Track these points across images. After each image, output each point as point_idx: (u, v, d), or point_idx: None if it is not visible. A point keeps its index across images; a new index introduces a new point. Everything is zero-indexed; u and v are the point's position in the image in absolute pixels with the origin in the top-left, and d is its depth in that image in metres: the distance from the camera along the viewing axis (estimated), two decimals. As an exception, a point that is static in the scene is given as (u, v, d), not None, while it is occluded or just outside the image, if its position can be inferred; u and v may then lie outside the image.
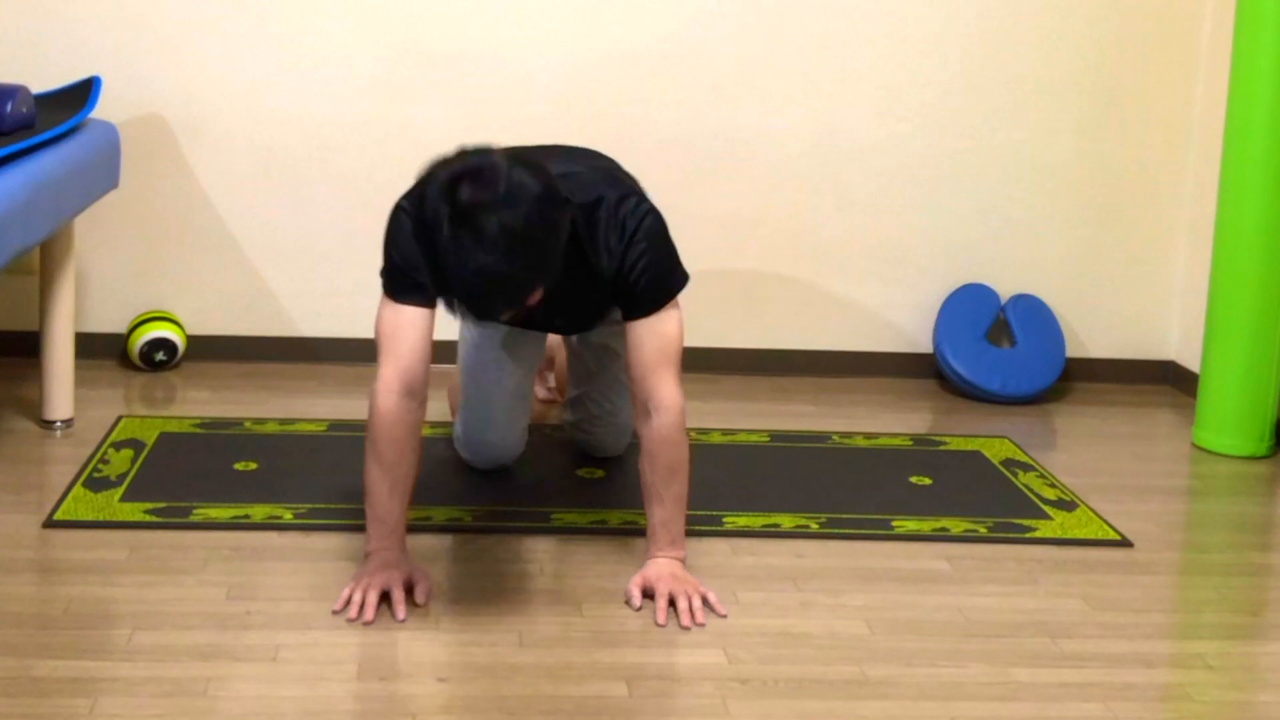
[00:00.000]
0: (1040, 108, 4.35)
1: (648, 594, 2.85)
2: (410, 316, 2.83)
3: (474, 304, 2.62)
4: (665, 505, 2.91)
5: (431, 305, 2.84)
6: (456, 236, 2.53)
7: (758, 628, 2.78)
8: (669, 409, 2.88)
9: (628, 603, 2.84)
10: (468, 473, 3.46)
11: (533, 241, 2.57)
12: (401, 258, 2.82)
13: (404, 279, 2.83)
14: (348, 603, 2.76)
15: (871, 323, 4.44)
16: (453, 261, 2.54)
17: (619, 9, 4.20)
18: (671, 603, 2.82)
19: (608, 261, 2.89)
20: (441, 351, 3.49)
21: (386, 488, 2.81)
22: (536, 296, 2.69)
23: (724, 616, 2.81)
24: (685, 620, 2.78)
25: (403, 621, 2.73)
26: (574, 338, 3.50)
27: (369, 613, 2.73)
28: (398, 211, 2.86)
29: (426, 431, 3.59)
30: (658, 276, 2.91)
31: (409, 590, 2.80)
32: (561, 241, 2.65)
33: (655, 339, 2.89)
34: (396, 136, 4.19)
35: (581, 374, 3.51)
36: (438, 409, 3.66)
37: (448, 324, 3.56)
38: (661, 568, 2.88)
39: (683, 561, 2.92)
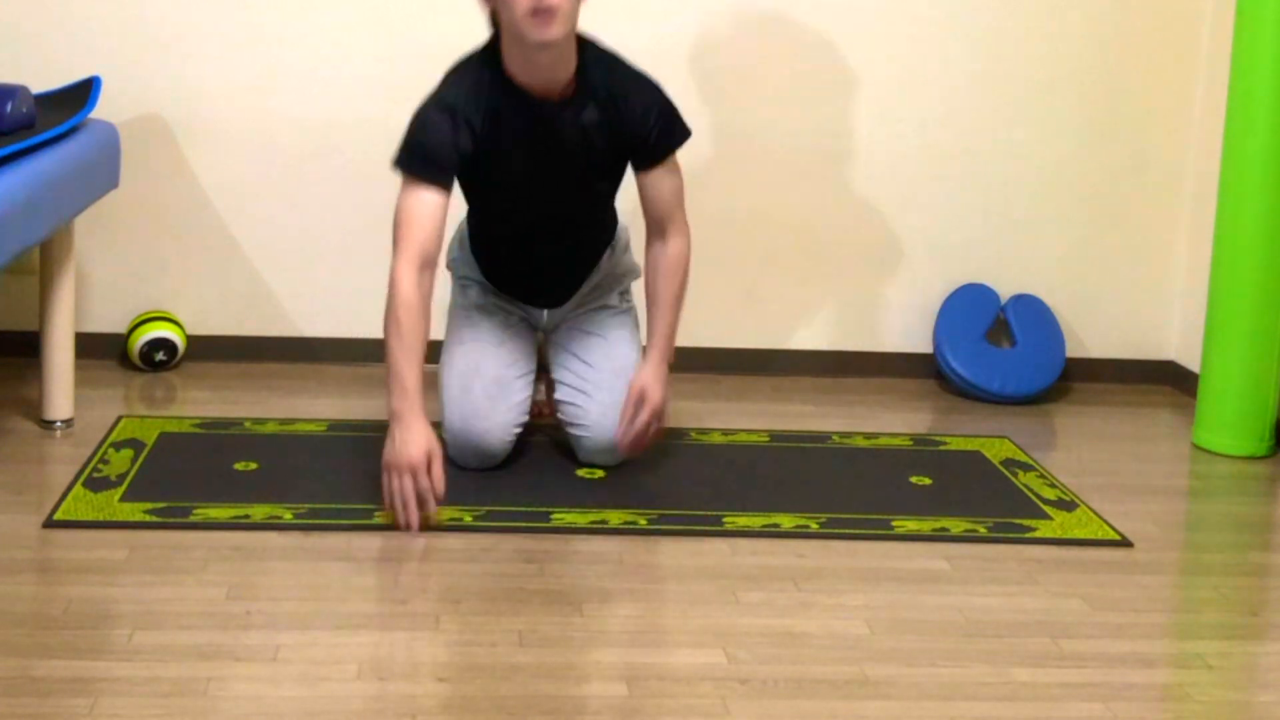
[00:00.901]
0: (1040, 108, 4.35)
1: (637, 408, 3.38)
2: (429, 199, 3.23)
3: None
4: (670, 311, 3.46)
5: (448, 189, 3.26)
6: None
7: (758, 628, 2.78)
8: (684, 236, 3.47)
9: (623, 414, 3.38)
10: (468, 473, 3.45)
11: None
12: (429, 136, 3.26)
13: (427, 159, 3.25)
14: (395, 514, 3.13)
15: (871, 323, 4.44)
16: None
17: (619, 9, 4.20)
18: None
19: (617, 84, 3.37)
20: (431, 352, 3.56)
21: (403, 355, 3.17)
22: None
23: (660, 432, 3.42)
24: (622, 443, 3.41)
25: (440, 502, 3.15)
26: (559, 335, 3.58)
27: (415, 523, 3.11)
28: (424, 106, 3.32)
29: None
30: (670, 122, 3.42)
31: (429, 466, 3.14)
32: None
33: (670, 182, 3.44)
34: (396, 136, 4.18)
35: (573, 370, 3.53)
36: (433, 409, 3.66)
37: (438, 327, 3.58)
38: (654, 385, 3.41)
39: (669, 364, 3.46)
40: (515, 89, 3.30)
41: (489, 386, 3.45)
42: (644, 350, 3.56)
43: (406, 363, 3.16)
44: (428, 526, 3.12)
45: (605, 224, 3.60)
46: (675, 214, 3.45)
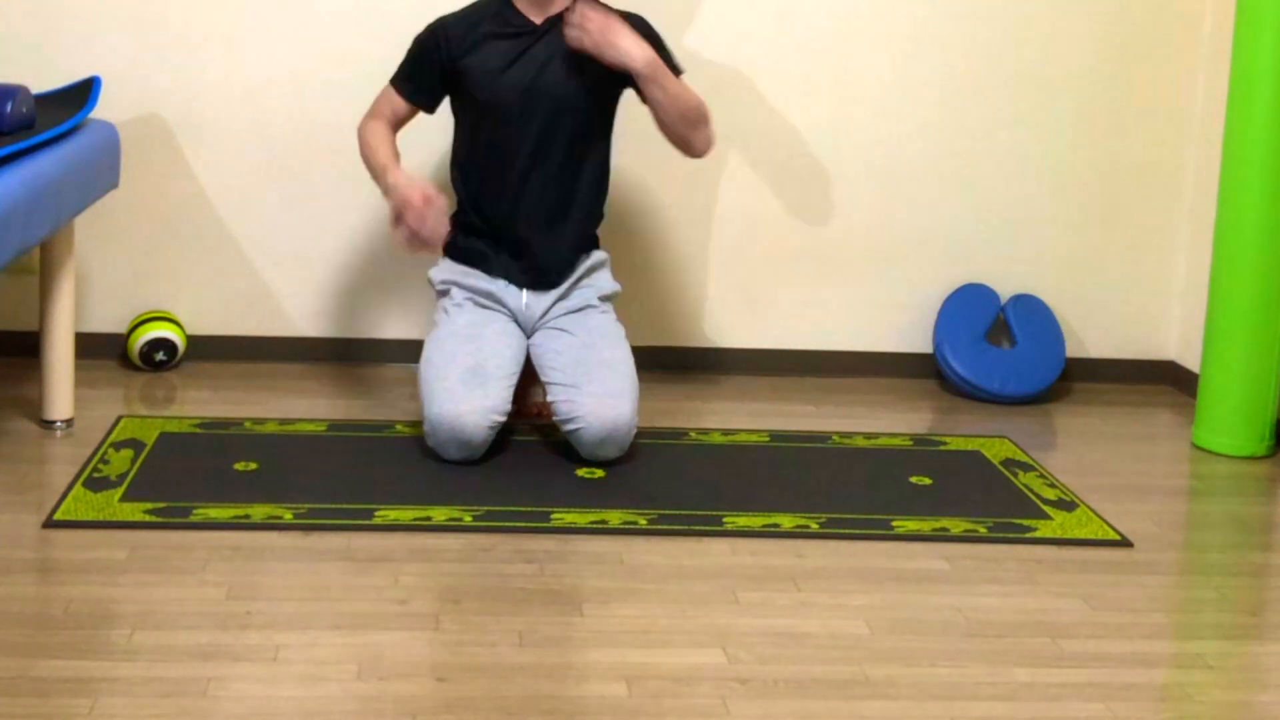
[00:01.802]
0: (1040, 108, 4.35)
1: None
2: (401, 100, 3.72)
3: None
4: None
5: (418, 105, 3.72)
6: None
7: (758, 628, 2.78)
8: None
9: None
10: (467, 473, 3.46)
11: None
12: (411, 54, 3.70)
13: (404, 75, 3.70)
14: (411, 239, 3.48)
15: (871, 323, 4.44)
16: None
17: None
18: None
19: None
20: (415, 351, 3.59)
21: (377, 155, 3.63)
22: None
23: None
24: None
25: (425, 207, 3.44)
26: (543, 340, 3.61)
27: (435, 237, 3.48)
28: (433, 24, 3.70)
29: (415, 432, 3.60)
30: (659, 44, 3.66)
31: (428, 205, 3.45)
32: None
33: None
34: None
35: (563, 366, 3.54)
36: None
37: (420, 325, 3.58)
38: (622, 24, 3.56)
39: (651, 63, 3.56)
40: (511, 10, 3.65)
41: (465, 374, 3.48)
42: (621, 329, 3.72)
43: (383, 156, 3.61)
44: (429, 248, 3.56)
45: (590, 175, 3.72)
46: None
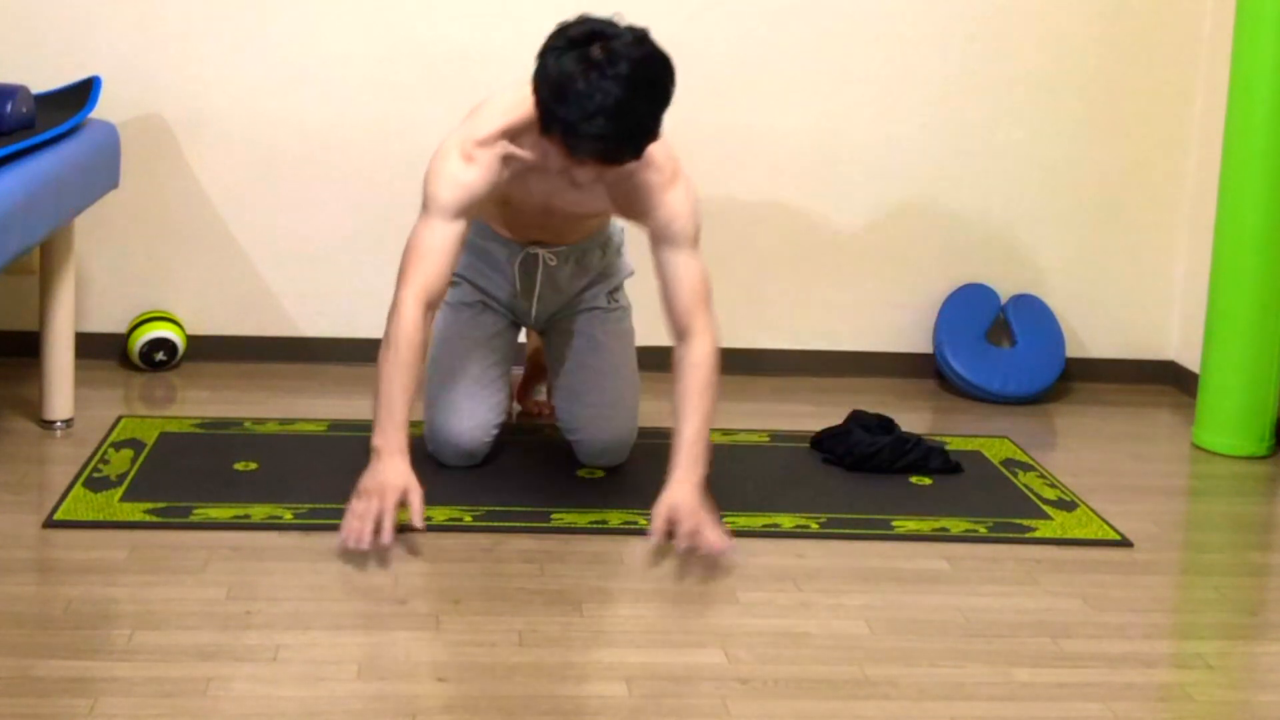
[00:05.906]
0: (1040, 108, 4.36)
1: (669, 528, 3.04)
2: (445, 235, 3.10)
3: (603, 142, 2.90)
4: (695, 420, 3.12)
5: (463, 224, 3.13)
6: (591, 72, 2.90)
7: (758, 628, 2.78)
8: (708, 336, 3.16)
9: (650, 534, 3.03)
10: (467, 473, 3.46)
11: (658, 82, 3.00)
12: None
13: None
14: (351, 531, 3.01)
15: (871, 323, 4.44)
16: (589, 102, 2.87)
17: (619, 9, 4.19)
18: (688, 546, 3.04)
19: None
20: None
21: (399, 387, 3.06)
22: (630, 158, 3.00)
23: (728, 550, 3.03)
24: (696, 543, 3.02)
25: (387, 544, 2.98)
26: (551, 339, 3.57)
27: (365, 539, 2.98)
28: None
29: (416, 432, 3.60)
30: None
31: (403, 505, 3.02)
32: (670, 92, 3.02)
33: (694, 275, 3.17)
34: (396, 136, 4.20)
35: (565, 373, 3.53)
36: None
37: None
38: (686, 497, 3.05)
39: (701, 480, 3.10)
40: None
41: (470, 386, 3.46)
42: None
43: (402, 395, 3.06)
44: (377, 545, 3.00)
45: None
46: (700, 309, 3.19)
